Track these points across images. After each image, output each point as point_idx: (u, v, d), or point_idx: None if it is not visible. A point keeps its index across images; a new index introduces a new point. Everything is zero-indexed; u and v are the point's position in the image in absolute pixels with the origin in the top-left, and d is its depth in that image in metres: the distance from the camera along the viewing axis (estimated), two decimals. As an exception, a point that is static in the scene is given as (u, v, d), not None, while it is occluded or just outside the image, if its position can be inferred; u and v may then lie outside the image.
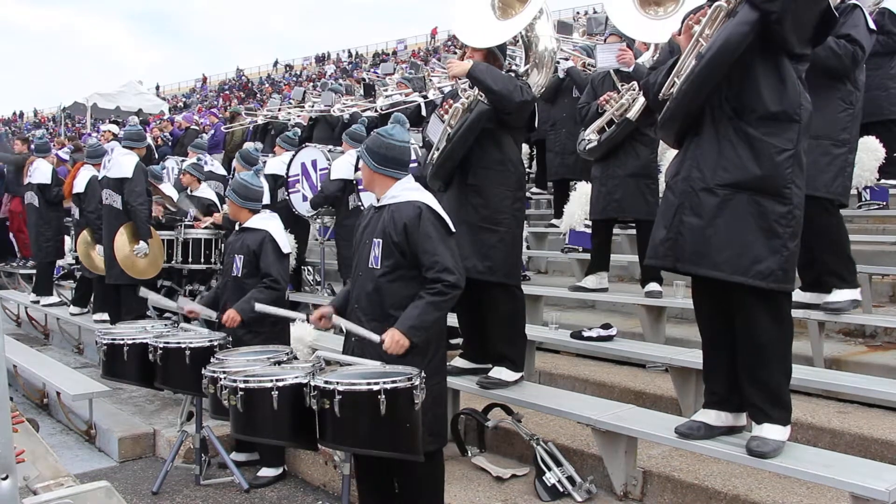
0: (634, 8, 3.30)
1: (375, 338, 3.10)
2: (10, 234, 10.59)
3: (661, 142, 5.16)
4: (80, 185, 7.24)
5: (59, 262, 9.24)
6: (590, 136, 5.37)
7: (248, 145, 9.21)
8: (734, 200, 2.88)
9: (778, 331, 2.95)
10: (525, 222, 5.85)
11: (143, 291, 4.92)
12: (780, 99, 2.86)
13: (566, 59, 7.34)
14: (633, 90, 5.14)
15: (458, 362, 4.32)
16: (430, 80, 10.23)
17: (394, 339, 3.07)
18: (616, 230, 6.11)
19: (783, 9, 2.74)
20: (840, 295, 4.23)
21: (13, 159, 10.18)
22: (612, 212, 5.42)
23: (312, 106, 11.54)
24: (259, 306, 3.81)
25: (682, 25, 3.04)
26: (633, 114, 5.13)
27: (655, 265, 3.17)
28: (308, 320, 3.73)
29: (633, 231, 5.90)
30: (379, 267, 3.23)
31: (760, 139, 2.86)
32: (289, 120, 11.21)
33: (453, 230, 3.32)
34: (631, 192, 5.26)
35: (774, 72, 2.88)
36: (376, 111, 9.76)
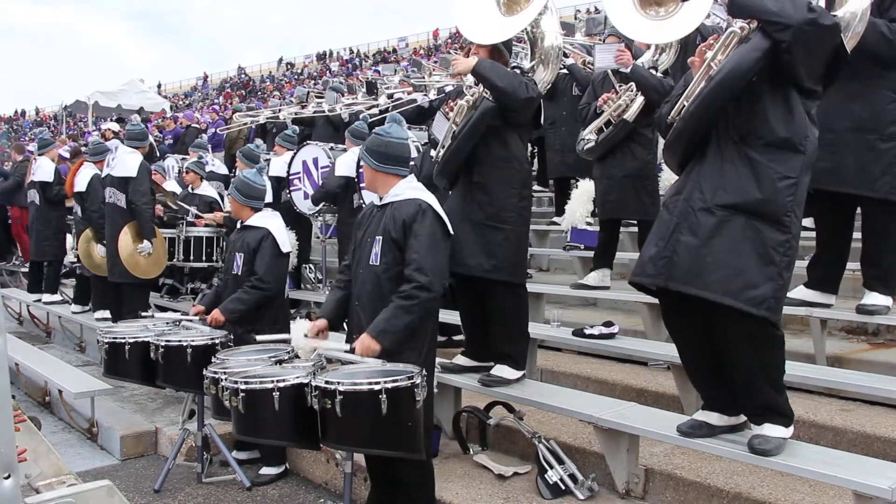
0: (634, 8, 3.28)
1: (346, 347, 3.12)
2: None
3: (659, 142, 5.15)
4: (81, 184, 7.22)
5: (61, 261, 9.23)
6: (588, 136, 5.37)
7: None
8: (732, 222, 2.84)
9: (766, 356, 2.92)
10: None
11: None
12: (786, 128, 2.85)
13: (567, 56, 7.32)
14: (631, 91, 5.13)
15: (460, 360, 4.31)
16: (431, 78, 10.19)
17: (364, 344, 3.08)
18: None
19: (794, 39, 2.75)
20: (876, 298, 4.09)
21: (11, 176, 9.96)
22: (609, 212, 5.44)
23: (317, 105, 11.50)
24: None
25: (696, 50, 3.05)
26: (630, 115, 5.11)
27: (642, 282, 3.04)
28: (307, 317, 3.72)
29: (636, 229, 5.89)
30: (379, 263, 3.25)
31: (764, 164, 2.84)
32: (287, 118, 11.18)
33: (451, 232, 3.33)
34: (627, 193, 5.27)
35: (783, 102, 2.87)
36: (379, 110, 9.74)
